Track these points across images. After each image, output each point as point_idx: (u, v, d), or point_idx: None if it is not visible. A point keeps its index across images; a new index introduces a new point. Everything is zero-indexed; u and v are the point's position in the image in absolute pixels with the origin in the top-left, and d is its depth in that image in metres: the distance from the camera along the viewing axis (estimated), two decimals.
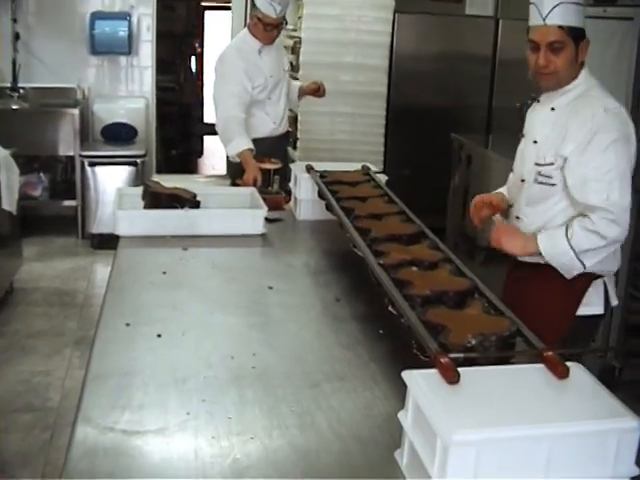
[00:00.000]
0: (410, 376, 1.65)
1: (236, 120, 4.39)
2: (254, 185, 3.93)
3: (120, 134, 6.58)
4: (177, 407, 1.91)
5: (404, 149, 6.25)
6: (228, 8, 11.81)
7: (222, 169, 10.03)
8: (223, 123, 4.47)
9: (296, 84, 5.12)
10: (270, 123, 4.70)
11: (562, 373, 1.68)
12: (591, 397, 1.64)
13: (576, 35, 2.70)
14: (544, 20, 2.69)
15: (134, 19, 6.69)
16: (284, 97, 4.79)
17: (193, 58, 10.63)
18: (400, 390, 1.95)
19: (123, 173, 6.32)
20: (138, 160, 6.31)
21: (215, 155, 11.24)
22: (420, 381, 1.63)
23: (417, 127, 6.28)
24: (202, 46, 11.07)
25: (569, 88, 2.78)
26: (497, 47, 6.37)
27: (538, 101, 2.93)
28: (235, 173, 4.33)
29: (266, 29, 4.50)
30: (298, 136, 6.09)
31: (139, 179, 6.15)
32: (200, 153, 10.99)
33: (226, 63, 4.60)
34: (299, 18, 6.40)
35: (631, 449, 1.54)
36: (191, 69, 10.54)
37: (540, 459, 1.48)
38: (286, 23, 4.71)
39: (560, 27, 2.68)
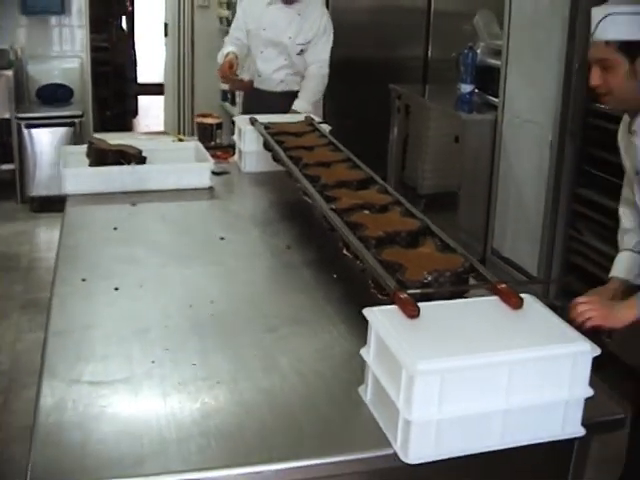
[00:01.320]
0: (371, 313, 1.70)
1: (230, 38, 4.84)
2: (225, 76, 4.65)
3: (56, 95, 6.47)
4: (141, 357, 1.93)
5: (343, 101, 6.27)
6: None
7: (157, 127, 10.01)
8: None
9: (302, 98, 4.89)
10: (256, 74, 4.87)
11: (516, 303, 1.75)
12: (545, 325, 1.71)
13: (629, 49, 2.33)
14: (592, 37, 2.42)
15: None
16: (281, 61, 4.79)
17: (124, 17, 10.44)
18: (357, 330, 2.02)
19: (60, 134, 6.23)
20: (75, 121, 6.22)
21: (149, 114, 11.13)
22: (381, 317, 1.68)
23: (355, 79, 6.29)
24: (133, 4, 10.88)
25: None
26: None
27: (630, 132, 2.52)
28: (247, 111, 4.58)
29: None
30: (239, 92, 6.05)
31: (77, 140, 6.08)
32: (135, 113, 10.85)
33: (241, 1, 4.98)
34: None
35: (584, 371, 1.62)
36: (123, 28, 10.35)
37: (501, 384, 1.55)
38: None
39: (607, 42, 2.35)
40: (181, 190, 3.25)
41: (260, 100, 4.82)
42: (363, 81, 6.31)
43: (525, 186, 4.61)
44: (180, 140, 4.16)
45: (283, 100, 4.78)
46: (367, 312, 1.71)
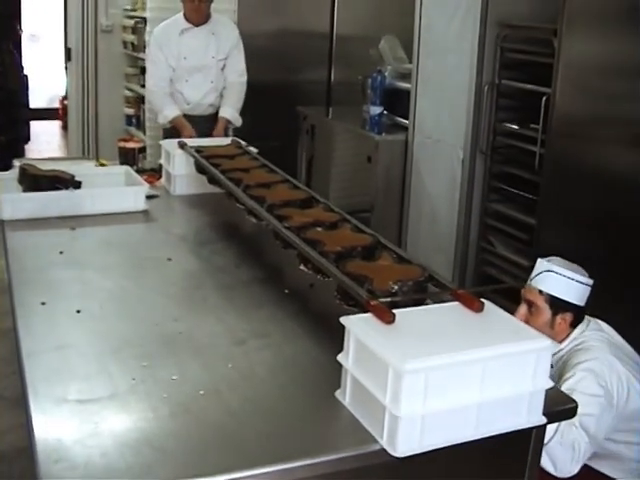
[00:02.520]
0: (350, 321, 1.83)
1: (160, 92, 4.90)
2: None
3: None
4: (121, 374, 1.99)
5: (249, 123, 6.38)
6: None
7: (49, 154, 9.85)
8: (149, 95, 5.04)
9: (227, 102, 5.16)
10: (183, 103, 4.99)
11: (478, 307, 1.91)
12: (506, 325, 1.88)
13: (556, 305, 2.73)
14: (530, 280, 2.79)
15: None
16: (208, 84, 4.98)
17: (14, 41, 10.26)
18: (322, 341, 2.18)
19: None
20: None
21: (40, 140, 10.97)
22: (360, 324, 1.81)
23: (261, 102, 6.40)
24: (21, 29, 10.71)
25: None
26: (334, 23, 6.60)
27: None
28: (170, 136, 4.63)
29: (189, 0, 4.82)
30: (147, 116, 6.10)
31: None
32: (27, 139, 10.65)
33: (152, 39, 5.02)
34: None
35: (546, 365, 1.80)
36: (13, 53, 10.17)
37: (475, 378, 1.71)
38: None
39: (540, 291, 2.74)
40: (117, 214, 3.30)
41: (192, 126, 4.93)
42: (269, 104, 6.43)
43: (438, 202, 4.84)
44: (102, 165, 4.20)
45: (212, 123, 4.99)
46: (345, 320, 1.84)
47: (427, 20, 4.87)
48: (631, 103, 3.52)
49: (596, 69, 3.68)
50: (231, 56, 5.04)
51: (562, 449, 2.45)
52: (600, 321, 2.81)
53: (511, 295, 2.90)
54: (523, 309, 2.80)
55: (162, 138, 4.70)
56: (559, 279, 2.71)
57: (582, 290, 2.74)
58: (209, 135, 4.84)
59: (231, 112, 5.06)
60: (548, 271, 2.71)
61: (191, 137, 4.57)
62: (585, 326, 2.78)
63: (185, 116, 4.96)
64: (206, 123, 5.00)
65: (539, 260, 2.80)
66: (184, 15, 4.95)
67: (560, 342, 2.73)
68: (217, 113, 5.04)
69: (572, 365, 2.63)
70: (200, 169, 3.42)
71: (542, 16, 4.21)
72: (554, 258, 2.79)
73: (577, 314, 2.76)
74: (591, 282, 2.74)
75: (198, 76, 4.91)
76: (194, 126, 4.90)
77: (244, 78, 5.10)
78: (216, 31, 4.98)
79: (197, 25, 4.91)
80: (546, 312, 2.74)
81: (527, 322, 2.68)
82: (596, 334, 2.74)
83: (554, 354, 2.75)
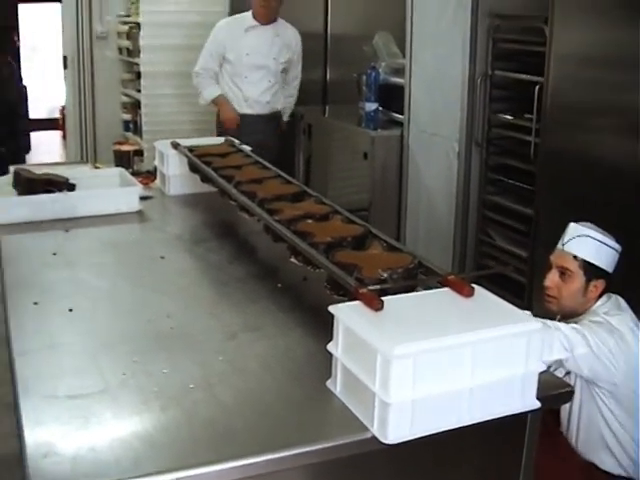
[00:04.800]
0: (337, 309, 1.82)
1: (204, 73, 5.07)
2: (233, 123, 5.02)
3: None
4: (112, 369, 1.98)
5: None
6: (45, 0, 11.61)
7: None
8: (194, 78, 5.13)
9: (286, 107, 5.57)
10: (242, 100, 5.14)
11: (468, 292, 1.90)
12: (497, 309, 1.86)
13: (590, 270, 2.69)
14: (562, 245, 2.74)
15: None
16: (266, 82, 5.13)
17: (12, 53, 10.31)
18: (314, 333, 2.17)
19: None
20: None
21: (41, 150, 11.00)
22: (348, 311, 1.80)
23: None
24: (19, 39, 10.77)
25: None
26: (328, 22, 6.60)
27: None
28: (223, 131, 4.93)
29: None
30: (143, 120, 6.10)
31: None
32: (27, 149, 10.68)
33: (214, 28, 5.15)
34: (132, 3, 6.40)
35: (538, 348, 1.78)
36: (12, 64, 10.21)
37: (466, 362, 1.69)
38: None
39: (575, 257, 2.70)
40: (111, 215, 3.30)
41: (246, 125, 5.10)
42: None
43: (435, 196, 4.82)
44: (97, 168, 4.21)
45: (269, 122, 5.20)
46: (333, 309, 1.82)
47: (418, 14, 4.86)
48: (624, 91, 3.50)
49: (588, 57, 3.67)
50: (293, 63, 5.35)
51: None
52: (620, 298, 2.76)
53: (506, 284, 2.88)
54: (555, 276, 2.74)
55: (217, 134, 4.94)
56: (594, 244, 2.66)
57: (613, 256, 2.70)
58: (268, 135, 5.10)
59: (287, 115, 5.50)
60: (584, 236, 2.67)
61: (232, 117, 4.98)
62: (605, 300, 2.74)
63: (243, 115, 5.16)
64: (264, 122, 5.18)
65: (572, 224, 2.74)
66: (252, 14, 5.08)
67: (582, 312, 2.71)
68: (273, 112, 5.27)
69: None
70: (193, 168, 3.41)
71: (534, 5, 4.19)
72: (586, 223, 2.74)
73: (608, 282, 2.72)
74: (620, 249, 2.71)
75: (257, 74, 5.07)
76: (253, 126, 5.05)
77: (298, 84, 5.56)
78: (281, 34, 5.16)
79: (264, 24, 5.05)
80: (580, 278, 2.69)
81: (559, 289, 2.68)
82: (616, 314, 2.67)
83: (567, 320, 2.72)
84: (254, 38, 5.05)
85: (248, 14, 5.12)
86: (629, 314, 2.69)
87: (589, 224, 2.74)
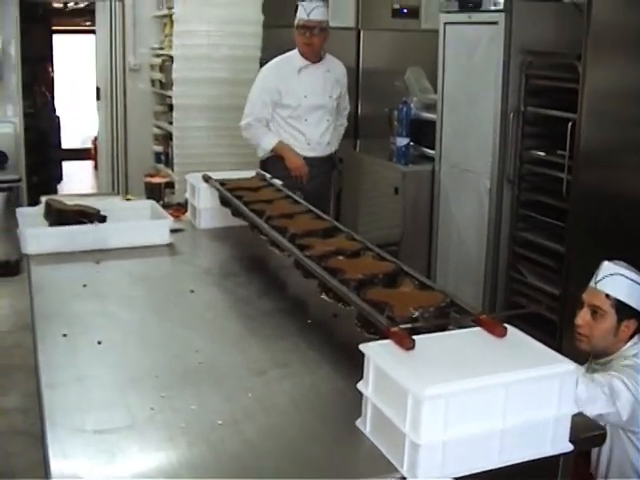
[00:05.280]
0: (368, 347, 1.80)
1: (257, 124, 4.80)
2: (302, 169, 4.74)
3: None
4: (139, 404, 1.98)
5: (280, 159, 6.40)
6: (79, 32, 11.80)
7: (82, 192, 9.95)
8: (247, 130, 4.87)
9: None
10: (304, 143, 4.85)
11: (501, 332, 1.87)
12: (530, 349, 1.84)
13: (622, 310, 2.64)
14: (595, 284, 2.69)
15: None
16: (325, 122, 4.88)
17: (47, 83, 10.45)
18: (342, 370, 2.15)
19: None
20: (13, 185, 6.21)
21: (73, 180, 11.10)
22: (380, 350, 1.78)
23: None
24: (53, 70, 10.92)
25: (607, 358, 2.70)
26: (360, 57, 6.62)
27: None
28: (274, 166, 4.67)
29: (300, 32, 4.66)
30: (175, 152, 6.14)
31: (12, 205, 6.06)
32: (59, 179, 10.79)
33: (261, 73, 4.92)
34: (166, 36, 6.47)
35: (571, 390, 1.75)
36: (46, 94, 10.35)
37: (498, 404, 1.66)
38: (325, 30, 4.77)
39: (607, 295, 2.65)
40: (142, 247, 3.30)
41: (310, 169, 4.85)
42: None
43: (466, 232, 4.80)
44: (128, 200, 4.22)
45: (325, 162, 5.00)
46: (364, 347, 1.81)
47: (451, 49, 4.87)
48: None
49: (621, 94, 3.65)
50: (345, 94, 5.09)
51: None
52: None
53: (536, 321, 2.84)
54: (587, 315, 2.69)
55: (267, 170, 4.52)
56: (627, 283, 2.61)
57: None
58: (326, 175, 4.96)
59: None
60: (617, 274, 2.62)
61: (300, 163, 4.74)
62: (637, 341, 2.68)
63: (305, 159, 4.85)
64: (324, 164, 4.99)
65: (606, 263, 2.69)
66: (299, 53, 4.83)
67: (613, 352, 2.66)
68: (332, 154, 5.06)
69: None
70: (224, 202, 3.42)
71: (566, 42, 4.18)
72: (619, 262, 2.69)
73: None
74: None
75: (316, 115, 4.83)
76: (314, 169, 4.86)
77: (347, 114, 5.23)
78: (331, 69, 4.91)
79: (314, 62, 4.82)
80: (612, 317, 2.64)
81: (590, 328, 2.63)
82: None
83: (597, 362, 2.68)
84: (308, 78, 4.78)
85: (294, 54, 4.82)
86: None
87: (623, 263, 2.70)
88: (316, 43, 4.72)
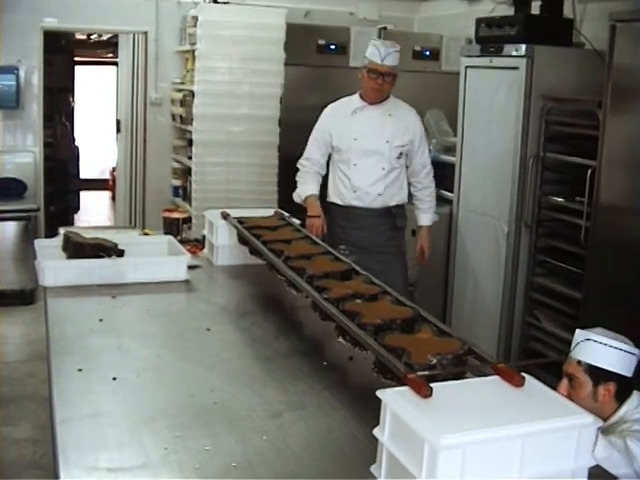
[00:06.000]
0: (385, 394, 1.79)
1: (308, 166, 4.49)
2: (315, 230, 4.19)
3: (9, 189, 6.50)
4: (153, 443, 1.97)
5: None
6: (100, 63, 11.95)
7: (98, 224, 10.00)
8: (299, 169, 4.56)
9: (423, 216, 4.61)
10: (350, 190, 4.40)
11: (519, 382, 1.86)
12: (547, 400, 1.83)
13: (596, 374, 2.56)
14: (571, 352, 2.62)
15: (21, 73, 6.62)
16: (379, 170, 4.35)
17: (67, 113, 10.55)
18: (358, 415, 2.14)
19: (13, 228, 6.26)
20: (31, 215, 6.26)
21: (90, 210, 11.17)
22: (397, 397, 1.77)
23: None
24: (74, 100, 11.04)
25: None
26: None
27: None
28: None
29: (370, 76, 4.26)
30: (193, 187, 6.17)
31: (30, 234, 6.10)
32: (77, 209, 10.85)
33: (322, 115, 4.57)
34: (188, 71, 6.53)
35: (588, 442, 1.74)
36: (66, 124, 10.45)
37: (515, 455, 1.65)
38: (396, 76, 4.36)
39: (579, 362, 2.58)
40: (159, 283, 3.31)
41: (351, 219, 4.44)
42: None
43: (482, 275, 4.79)
44: (146, 234, 4.24)
45: (379, 219, 4.42)
46: (381, 394, 1.79)
47: (472, 92, 4.90)
48: None
49: None
50: (417, 148, 4.43)
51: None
52: None
53: (556, 370, 2.81)
54: (564, 383, 2.66)
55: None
56: (597, 347, 2.55)
57: (624, 358, 2.57)
58: (377, 230, 4.39)
59: (431, 218, 4.58)
60: (586, 340, 2.58)
61: (316, 224, 4.25)
62: (636, 403, 2.63)
63: (351, 208, 4.42)
64: (375, 218, 4.41)
65: (577, 331, 2.66)
66: (360, 94, 4.43)
67: (606, 419, 2.59)
68: (385, 207, 4.40)
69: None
70: (242, 240, 3.43)
71: (587, 89, 4.20)
72: (595, 329, 2.65)
73: (622, 384, 2.60)
74: (635, 351, 2.58)
75: (369, 161, 4.33)
76: (362, 220, 4.40)
77: (432, 173, 4.55)
78: (394, 113, 4.38)
79: (372, 103, 4.37)
80: (587, 383, 2.58)
81: (570, 397, 2.60)
82: None
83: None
84: (361, 120, 4.35)
85: (356, 96, 4.44)
86: None
87: (599, 329, 2.64)
88: (386, 90, 4.34)
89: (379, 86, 4.28)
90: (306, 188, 4.44)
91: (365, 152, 4.34)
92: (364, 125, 4.35)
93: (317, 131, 4.50)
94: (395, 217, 4.46)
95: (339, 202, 4.45)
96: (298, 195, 4.48)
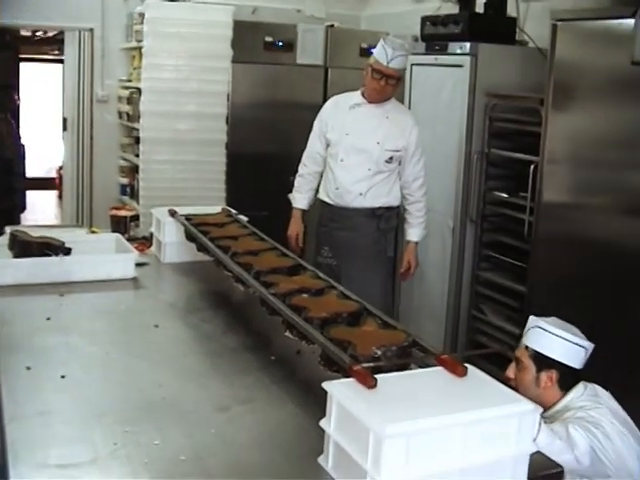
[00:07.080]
0: (331, 385, 1.83)
1: (302, 169, 4.50)
2: (292, 242, 4.40)
3: None
4: (103, 439, 1.98)
5: (244, 194, 6.40)
6: (46, 60, 11.81)
7: (44, 223, 9.89)
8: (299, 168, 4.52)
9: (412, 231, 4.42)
10: (333, 187, 4.30)
11: (461, 372, 1.91)
12: (489, 389, 1.88)
13: (539, 360, 2.65)
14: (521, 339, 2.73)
15: None
16: (364, 171, 4.21)
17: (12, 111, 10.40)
18: (307, 407, 2.17)
19: None
20: None
21: (37, 209, 11.03)
22: (342, 389, 1.81)
23: (255, 172, 6.45)
24: (19, 98, 10.90)
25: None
26: (327, 94, 6.69)
27: None
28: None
29: (373, 76, 4.14)
30: (141, 185, 6.14)
31: None
32: (23, 208, 10.69)
33: (324, 104, 4.51)
34: (134, 69, 6.50)
35: (529, 429, 1.80)
36: (11, 122, 10.30)
37: (457, 443, 1.70)
38: (400, 80, 4.26)
39: (526, 347, 2.68)
40: (106, 281, 3.31)
41: (334, 219, 4.34)
42: (261, 174, 6.46)
43: (429, 271, 4.86)
44: (93, 232, 4.22)
45: (362, 219, 4.28)
46: (327, 385, 1.83)
47: (417, 90, 4.97)
48: (617, 171, 3.57)
49: (582, 138, 3.74)
50: (411, 157, 4.28)
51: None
52: (597, 386, 2.76)
53: (499, 361, 2.89)
54: (512, 367, 2.76)
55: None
56: (544, 334, 2.65)
57: (569, 348, 2.66)
58: (359, 232, 4.26)
59: (420, 233, 4.40)
60: (535, 327, 2.68)
61: (292, 235, 4.45)
62: (581, 392, 2.72)
63: (334, 207, 4.30)
64: (359, 218, 4.27)
65: (530, 317, 2.75)
66: (362, 91, 4.31)
67: (550, 406, 2.68)
68: (365, 209, 4.26)
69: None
70: (190, 237, 3.44)
71: (530, 86, 4.28)
72: (549, 318, 2.74)
73: (566, 374, 2.69)
74: (583, 343, 2.67)
75: (356, 159, 4.22)
76: (345, 220, 4.29)
77: (426, 188, 4.35)
78: (391, 116, 4.26)
79: (372, 102, 4.26)
80: (531, 369, 2.68)
81: (516, 379, 2.68)
82: (595, 407, 2.61)
83: (543, 416, 2.70)
84: (358, 116, 4.25)
85: (356, 92, 4.35)
86: (605, 407, 2.67)
87: (553, 318, 2.74)
88: (389, 92, 4.22)
89: (381, 87, 4.18)
90: (297, 198, 4.50)
91: (354, 149, 4.24)
92: (359, 122, 4.26)
93: (317, 121, 4.44)
94: (379, 219, 4.31)
95: (325, 199, 4.37)
96: (293, 198, 4.53)
